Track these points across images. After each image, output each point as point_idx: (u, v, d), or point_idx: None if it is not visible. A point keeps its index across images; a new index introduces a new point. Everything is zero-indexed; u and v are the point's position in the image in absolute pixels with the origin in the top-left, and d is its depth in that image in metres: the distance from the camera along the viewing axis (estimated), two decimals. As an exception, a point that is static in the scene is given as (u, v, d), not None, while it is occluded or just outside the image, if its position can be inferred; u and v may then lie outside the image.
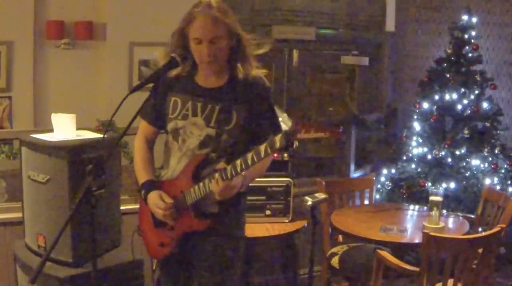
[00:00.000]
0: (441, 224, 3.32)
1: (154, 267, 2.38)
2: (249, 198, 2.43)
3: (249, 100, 2.22)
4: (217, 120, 2.20)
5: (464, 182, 4.39)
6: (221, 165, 2.11)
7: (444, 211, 3.64)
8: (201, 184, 2.16)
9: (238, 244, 2.32)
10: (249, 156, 1.99)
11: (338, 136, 1.85)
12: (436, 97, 4.62)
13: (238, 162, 2.02)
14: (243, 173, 2.07)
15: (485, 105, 4.58)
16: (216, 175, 2.07)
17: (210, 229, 2.22)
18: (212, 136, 2.20)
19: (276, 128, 2.26)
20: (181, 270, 2.36)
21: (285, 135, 1.84)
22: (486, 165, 4.49)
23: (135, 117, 1.95)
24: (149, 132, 2.41)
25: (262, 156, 1.94)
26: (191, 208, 2.21)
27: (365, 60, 4.98)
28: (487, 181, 4.34)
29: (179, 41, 2.19)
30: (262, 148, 1.93)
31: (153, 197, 2.25)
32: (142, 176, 2.34)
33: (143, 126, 2.42)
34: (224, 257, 2.26)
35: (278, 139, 1.86)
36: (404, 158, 4.70)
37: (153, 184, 2.30)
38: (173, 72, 2.25)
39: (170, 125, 2.28)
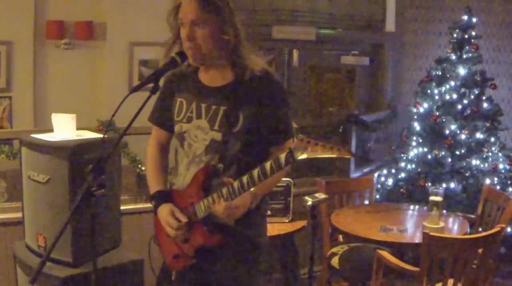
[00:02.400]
0: (441, 224, 3.33)
1: (173, 278, 2.29)
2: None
3: (258, 100, 2.04)
4: (222, 123, 2.04)
5: (464, 182, 4.39)
6: (227, 179, 1.97)
7: (444, 211, 3.65)
8: (209, 198, 2.02)
9: (259, 255, 2.19)
10: (255, 173, 1.89)
11: (349, 156, 1.74)
12: (436, 97, 4.63)
13: (245, 178, 1.91)
14: (252, 190, 1.95)
15: (485, 105, 4.59)
16: (224, 190, 1.95)
17: (227, 243, 2.09)
18: (217, 141, 2.05)
19: (288, 132, 2.11)
20: (198, 283, 2.22)
21: (290, 153, 1.78)
22: (486, 165, 4.50)
23: (135, 117, 1.94)
24: (160, 136, 2.29)
25: (268, 174, 1.86)
26: (202, 222, 2.07)
27: (365, 60, 4.98)
28: (487, 181, 4.34)
29: (173, 29, 2.07)
30: (268, 165, 1.85)
31: (165, 213, 2.11)
32: (153, 186, 2.23)
33: (154, 131, 2.31)
34: (244, 271, 2.14)
35: (283, 157, 1.80)
36: (404, 158, 4.70)
37: (164, 196, 2.17)
38: (177, 70, 2.13)
39: (175, 129, 2.15)
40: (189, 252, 2.15)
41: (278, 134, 2.09)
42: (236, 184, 1.93)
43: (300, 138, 1.75)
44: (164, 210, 2.13)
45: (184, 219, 2.08)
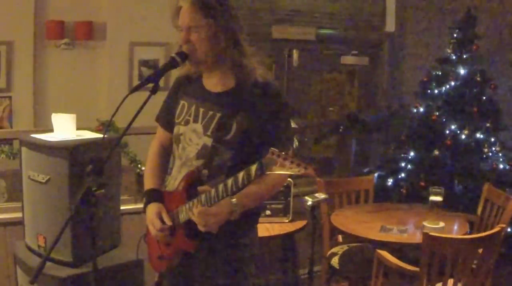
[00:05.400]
0: (441, 224, 3.33)
1: (156, 279, 2.30)
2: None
3: (254, 109, 2.02)
4: (215, 129, 2.04)
5: (464, 182, 4.39)
6: (206, 187, 1.97)
7: (444, 211, 3.64)
8: (190, 203, 2.01)
9: (244, 268, 2.13)
10: (229, 182, 1.88)
11: (312, 174, 1.72)
12: (436, 97, 4.62)
13: (220, 187, 1.90)
14: (233, 200, 1.93)
15: (485, 105, 4.58)
16: (202, 196, 1.94)
17: (209, 250, 2.07)
18: (208, 146, 2.05)
19: (284, 143, 1.99)
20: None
21: (260, 166, 1.77)
22: (486, 165, 4.49)
23: (135, 117, 1.94)
24: (164, 137, 2.30)
25: (240, 184, 1.85)
26: (183, 226, 2.06)
27: (365, 60, 4.98)
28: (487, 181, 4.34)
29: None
30: (240, 176, 1.84)
31: (151, 212, 2.12)
32: (147, 184, 2.24)
33: (158, 131, 2.33)
34: (226, 281, 2.10)
35: (253, 169, 1.79)
36: (404, 158, 4.70)
37: (155, 195, 2.18)
38: (184, 72, 2.16)
39: (174, 130, 2.18)
40: (169, 255, 2.15)
41: (274, 145, 1.93)
42: (213, 191, 1.92)
43: (271, 152, 1.73)
44: (152, 209, 2.13)
45: (169, 222, 2.07)
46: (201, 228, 1.96)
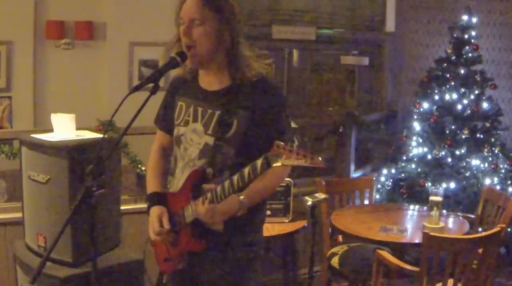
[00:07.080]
0: (441, 224, 3.33)
1: (164, 281, 2.29)
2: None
3: (253, 105, 2.01)
4: (216, 127, 2.03)
5: (464, 182, 4.39)
6: (211, 185, 1.97)
7: (444, 211, 3.64)
8: (196, 201, 2.00)
9: (250, 265, 2.12)
10: (235, 178, 1.88)
11: (321, 165, 1.72)
12: (436, 97, 4.62)
13: (226, 183, 1.91)
14: (241, 197, 1.94)
15: (485, 105, 4.59)
16: (209, 194, 1.94)
17: (216, 250, 2.06)
18: (210, 145, 2.04)
19: (284, 138, 1.94)
20: None
21: (266, 160, 1.78)
22: (486, 165, 4.50)
23: (135, 117, 1.94)
24: (163, 139, 2.29)
25: (246, 180, 1.85)
26: (189, 226, 2.05)
27: (365, 60, 4.98)
28: (487, 181, 4.34)
29: (177, 27, 2.05)
30: (246, 171, 1.84)
31: (153, 215, 2.11)
32: (150, 187, 2.23)
33: (158, 134, 2.32)
34: (233, 281, 2.09)
35: (259, 164, 1.80)
36: (404, 158, 4.70)
37: (158, 197, 2.17)
38: (180, 74, 2.16)
39: (174, 132, 2.17)
40: (176, 256, 2.14)
41: (278, 139, 1.92)
42: (219, 188, 1.93)
43: (276, 145, 1.73)
44: (154, 213, 2.13)
45: (166, 226, 2.07)
46: (207, 223, 1.97)
